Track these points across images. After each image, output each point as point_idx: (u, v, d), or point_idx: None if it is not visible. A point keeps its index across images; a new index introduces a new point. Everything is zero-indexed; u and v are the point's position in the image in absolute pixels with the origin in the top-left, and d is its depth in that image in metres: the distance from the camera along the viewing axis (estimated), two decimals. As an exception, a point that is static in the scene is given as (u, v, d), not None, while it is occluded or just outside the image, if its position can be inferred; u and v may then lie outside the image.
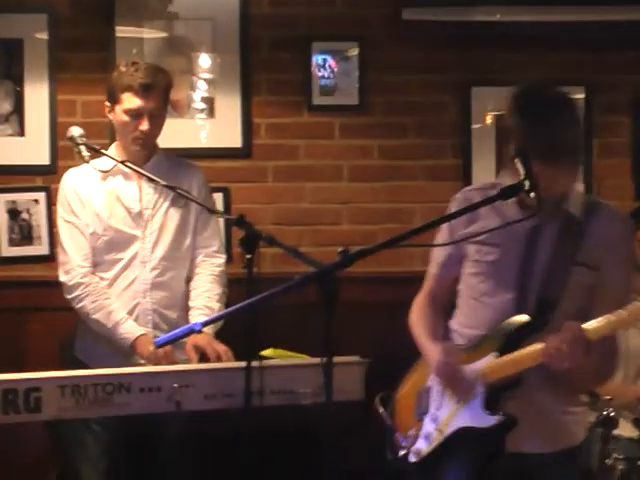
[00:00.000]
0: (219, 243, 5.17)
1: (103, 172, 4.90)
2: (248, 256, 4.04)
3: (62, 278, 4.95)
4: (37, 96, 5.84)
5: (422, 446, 3.92)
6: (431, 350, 3.95)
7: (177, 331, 4.13)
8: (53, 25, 5.84)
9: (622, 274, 3.89)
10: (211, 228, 5.14)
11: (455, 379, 3.85)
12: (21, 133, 5.85)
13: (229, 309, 3.52)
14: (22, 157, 5.84)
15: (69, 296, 4.91)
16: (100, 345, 4.89)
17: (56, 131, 5.79)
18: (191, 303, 5.00)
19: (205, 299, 4.97)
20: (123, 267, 4.93)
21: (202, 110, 6.02)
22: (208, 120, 6.02)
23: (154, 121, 4.92)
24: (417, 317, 4.12)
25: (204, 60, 6.01)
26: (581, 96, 6.10)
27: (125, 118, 4.88)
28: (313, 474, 3.46)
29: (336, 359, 3.43)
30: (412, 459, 3.93)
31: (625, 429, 4.86)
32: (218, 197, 5.84)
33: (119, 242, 4.94)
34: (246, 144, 6.01)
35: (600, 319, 3.61)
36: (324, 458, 3.42)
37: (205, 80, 6.02)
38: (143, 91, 4.86)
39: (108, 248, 4.94)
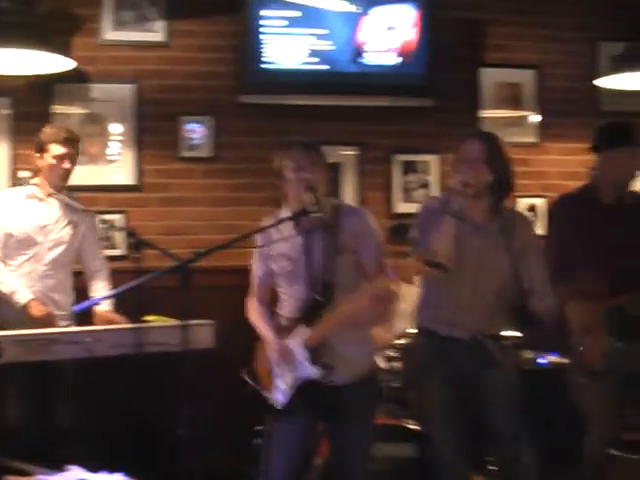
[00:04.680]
0: (102, 258, 5.21)
1: (29, 196, 4.95)
2: (136, 255, 4.06)
3: None
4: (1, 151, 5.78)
5: (279, 397, 3.90)
6: (267, 333, 3.96)
7: (87, 303, 4.24)
8: (14, 104, 5.79)
9: (372, 250, 3.93)
10: (98, 252, 5.20)
11: (285, 352, 3.87)
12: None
13: (122, 287, 3.53)
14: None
15: None
16: (9, 310, 4.84)
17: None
18: (94, 294, 5.04)
19: (102, 289, 5.04)
20: (25, 260, 4.90)
21: (111, 160, 5.95)
22: (115, 166, 5.96)
23: (72, 162, 4.95)
24: (255, 314, 4.08)
25: (113, 127, 5.95)
26: (354, 153, 6.24)
27: (52, 161, 4.88)
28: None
29: (192, 322, 3.50)
30: (277, 406, 3.92)
31: (380, 363, 4.83)
32: (121, 217, 5.86)
33: (26, 243, 4.91)
34: (139, 182, 5.96)
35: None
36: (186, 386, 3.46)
37: (113, 140, 5.95)
38: (66, 142, 4.91)
39: (18, 246, 4.90)
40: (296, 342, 3.87)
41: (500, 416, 4.12)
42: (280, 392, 3.91)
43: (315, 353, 3.84)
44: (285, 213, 3.94)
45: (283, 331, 3.93)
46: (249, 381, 4.02)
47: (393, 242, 4.92)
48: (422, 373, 4.22)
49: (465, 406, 4.12)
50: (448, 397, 4.10)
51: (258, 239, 3.96)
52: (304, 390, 3.86)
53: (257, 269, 4.08)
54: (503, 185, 4.12)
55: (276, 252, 3.95)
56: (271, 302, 4.11)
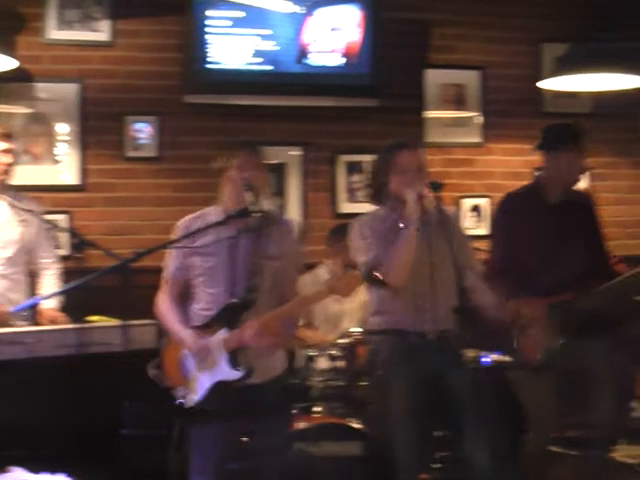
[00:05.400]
0: (54, 257, 5.11)
1: None
2: (78, 255, 4.07)
3: None
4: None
5: (195, 397, 3.86)
6: (184, 333, 3.90)
7: (27, 302, 4.20)
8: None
9: (292, 262, 4.00)
10: (49, 247, 5.11)
11: (203, 352, 3.84)
12: None
13: (63, 287, 3.53)
14: None
15: None
16: None
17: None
18: (42, 290, 4.99)
19: (48, 288, 4.95)
20: None
21: (55, 160, 5.92)
22: (59, 166, 5.93)
23: (11, 157, 4.89)
24: (165, 310, 4.01)
25: (58, 127, 5.93)
26: (298, 153, 6.28)
27: None
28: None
29: (134, 322, 3.50)
30: (189, 405, 3.88)
31: (323, 362, 4.90)
32: (65, 218, 5.79)
33: None
34: (83, 182, 5.94)
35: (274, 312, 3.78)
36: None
37: (58, 140, 5.93)
38: (5, 137, 4.87)
39: None
40: (215, 344, 3.85)
41: (465, 415, 4.17)
42: (194, 392, 3.88)
43: (234, 355, 3.83)
44: (215, 212, 3.99)
45: (198, 331, 3.90)
46: (155, 379, 3.98)
47: (332, 244, 4.99)
48: (390, 375, 4.26)
49: (427, 407, 4.19)
50: (416, 400, 4.15)
51: (186, 238, 3.93)
52: (218, 391, 3.83)
53: (174, 265, 4.03)
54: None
55: (200, 250, 3.92)
56: (183, 300, 4.08)
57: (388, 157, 4.29)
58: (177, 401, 3.91)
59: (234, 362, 3.81)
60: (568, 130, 4.76)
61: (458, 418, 4.18)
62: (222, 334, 3.83)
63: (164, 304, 4.04)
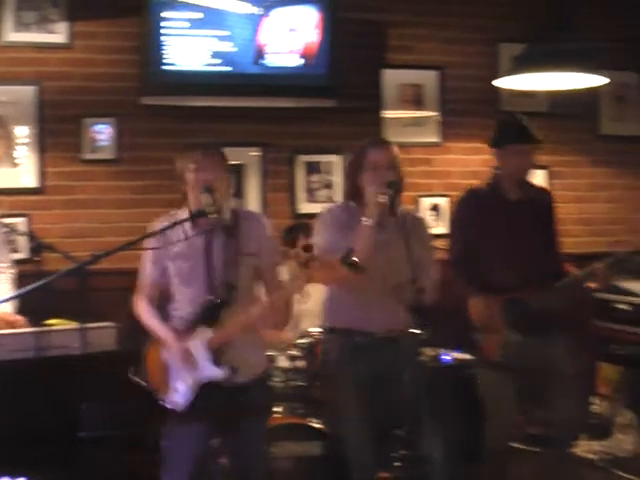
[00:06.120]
0: (9, 261, 5.01)
1: None
2: (37, 258, 4.06)
3: None
4: None
5: (179, 399, 3.90)
6: (166, 335, 3.94)
7: None
8: None
9: (270, 255, 4.05)
10: (5, 251, 5.01)
11: (186, 353, 3.87)
12: None
13: (20, 291, 3.52)
14: None
15: None
16: None
17: None
18: None
19: (3, 292, 4.85)
20: None
21: (14, 163, 5.90)
22: (17, 169, 5.91)
23: None
24: (145, 313, 4.04)
25: (16, 130, 5.90)
26: (257, 154, 6.30)
27: None
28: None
29: (93, 325, 3.50)
30: (174, 408, 3.92)
31: (283, 362, 4.91)
32: (23, 221, 5.78)
33: None
34: (41, 185, 5.92)
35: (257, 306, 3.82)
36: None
37: (16, 143, 5.91)
38: None
39: None
40: (198, 343, 3.88)
41: (421, 414, 4.22)
42: (179, 394, 3.91)
43: (217, 354, 3.87)
44: (183, 214, 4.00)
45: (180, 332, 3.94)
46: (139, 382, 4.01)
47: (286, 242, 5.02)
48: (339, 374, 4.29)
49: (380, 405, 4.22)
50: (365, 399, 4.18)
51: (154, 240, 3.96)
52: (204, 391, 3.87)
53: (149, 269, 4.07)
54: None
55: (173, 253, 3.97)
56: (161, 303, 4.11)
57: (360, 155, 4.33)
58: (161, 402, 3.95)
59: (217, 361, 3.86)
60: (511, 123, 4.83)
61: (414, 416, 4.23)
62: (204, 333, 3.88)
63: (143, 308, 4.08)
